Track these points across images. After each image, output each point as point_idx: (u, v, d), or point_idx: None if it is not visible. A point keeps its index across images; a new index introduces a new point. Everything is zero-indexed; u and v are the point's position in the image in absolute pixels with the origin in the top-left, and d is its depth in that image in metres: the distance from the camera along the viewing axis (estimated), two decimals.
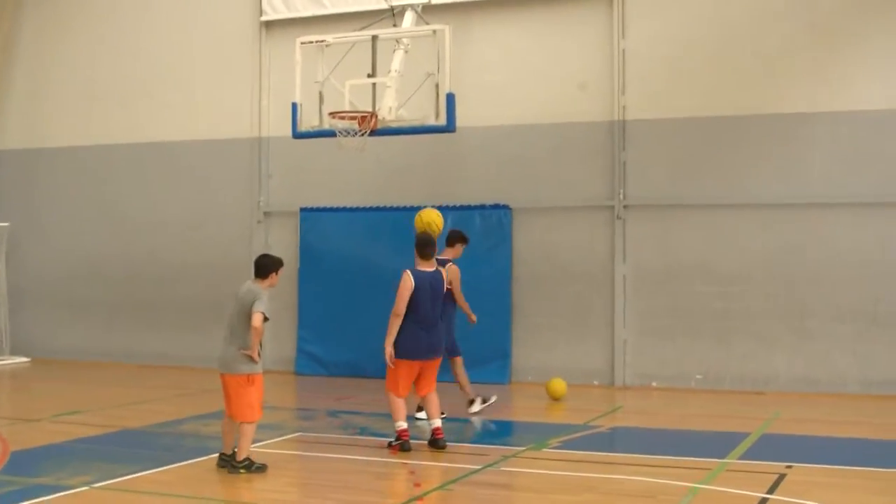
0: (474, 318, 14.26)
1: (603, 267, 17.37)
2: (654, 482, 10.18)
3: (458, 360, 14.13)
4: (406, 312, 11.72)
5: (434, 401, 12.16)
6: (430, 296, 11.86)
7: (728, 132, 16.88)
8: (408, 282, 11.72)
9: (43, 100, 21.86)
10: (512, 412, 15.58)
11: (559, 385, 15.75)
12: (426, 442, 12.03)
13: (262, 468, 10.54)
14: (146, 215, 20.62)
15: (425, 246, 12.05)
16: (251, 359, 10.47)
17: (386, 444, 11.92)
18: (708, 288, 16.85)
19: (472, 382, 14.30)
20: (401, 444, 11.72)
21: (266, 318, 10.47)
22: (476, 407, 14.37)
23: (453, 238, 14.26)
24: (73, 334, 21.23)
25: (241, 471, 10.47)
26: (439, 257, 12.82)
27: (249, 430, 10.58)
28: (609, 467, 11.11)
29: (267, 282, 10.71)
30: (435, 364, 12.16)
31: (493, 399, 14.71)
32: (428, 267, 12.00)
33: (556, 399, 15.70)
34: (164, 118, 20.60)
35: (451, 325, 13.80)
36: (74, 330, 21.23)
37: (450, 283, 13.01)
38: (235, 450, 10.60)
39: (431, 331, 11.86)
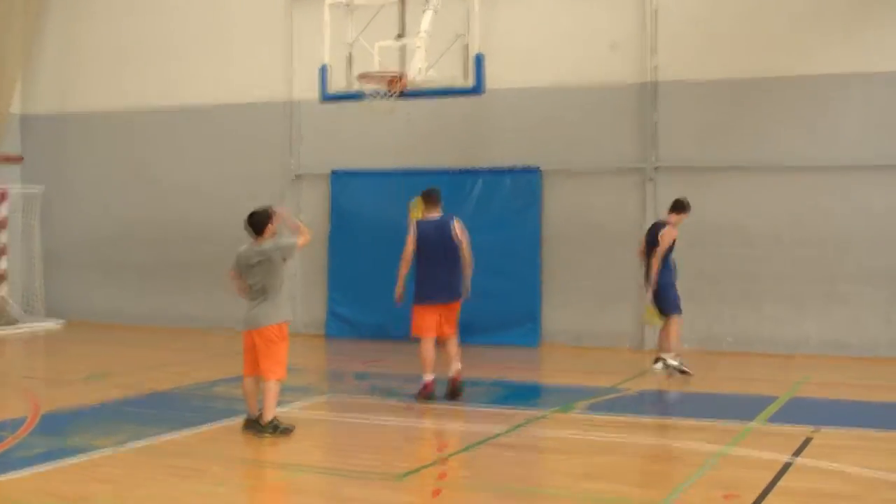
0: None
1: (633, 229, 17.24)
2: (680, 445, 10.19)
3: (674, 319, 14.30)
4: (418, 259, 12.50)
5: (454, 345, 12.66)
6: (439, 242, 12.49)
7: (760, 94, 16.73)
8: (410, 230, 12.60)
9: (74, 64, 21.94)
10: (540, 375, 15.64)
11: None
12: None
13: (287, 430, 10.59)
14: (178, 178, 20.69)
15: (429, 195, 12.83)
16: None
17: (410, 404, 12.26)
18: (738, 251, 16.75)
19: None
20: (427, 395, 12.35)
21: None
22: (658, 366, 14.37)
23: (679, 207, 14.55)
24: (105, 297, 21.39)
25: (268, 433, 10.53)
26: (660, 220, 14.52)
27: (275, 390, 10.62)
28: (635, 430, 11.09)
29: (268, 235, 10.81)
30: (453, 307, 12.68)
31: (677, 367, 14.28)
32: (434, 215, 12.70)
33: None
34: (195, 82, 20.63)
35: (667, 284, 14.26)
36: (107, 292, 21.39)
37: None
38: (261, 411, 10.66)
39: (444, 275, 12.49)
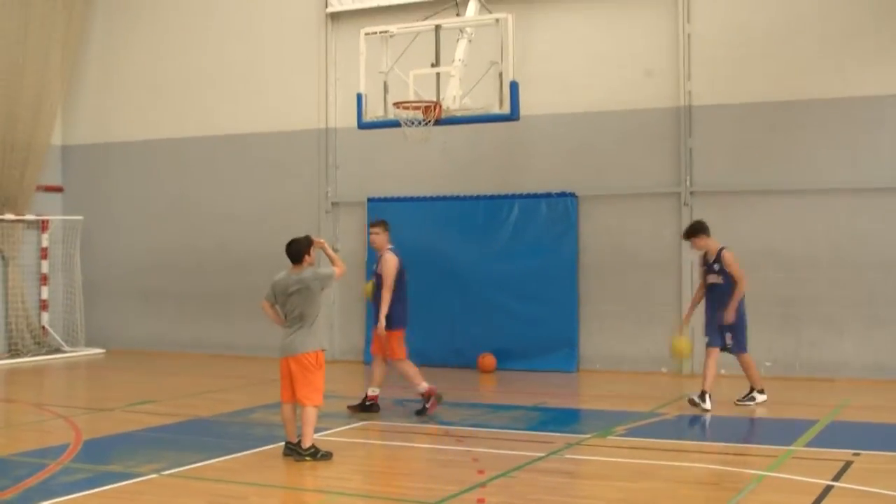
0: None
1: (669, 254, 17.28)
2: (719, 469, 10.16)
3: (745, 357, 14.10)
4: (398, 287, 13.40)
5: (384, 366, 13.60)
6: (402, 270, 13.51)
7: (795, 117, 16.71)
8: (394, 261, 13.45)
9: (112, 95, 22.20)
10: (578, 400, 15.62)
11: (681, 344, 15.04)
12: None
13: (327, 455, 10.65)
14: (215, 207, 20.86)
15: (386, 224, 13.96)
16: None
17: (420, 411, 13.22)
18: (775, 274, 16.69)
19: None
20: (436, 399, 13.38)
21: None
22: (707, 403, 13.53)
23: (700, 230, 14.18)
24: (145, 325, 21.56)
25: (307, 458, 10.59)
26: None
27: (312, 416, 10.69)
28: (674, 455, 11.08)
29: (306, 263, 10.92)
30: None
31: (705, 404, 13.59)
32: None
33: (680, 355, 15.44)
34: (231, 110, 20.83)
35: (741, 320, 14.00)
36: (146, 321, 21.56)
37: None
38: (300, 437, 10.72)
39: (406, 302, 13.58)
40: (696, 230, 14.05)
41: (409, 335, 18.63)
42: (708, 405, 13.43)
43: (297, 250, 10.90)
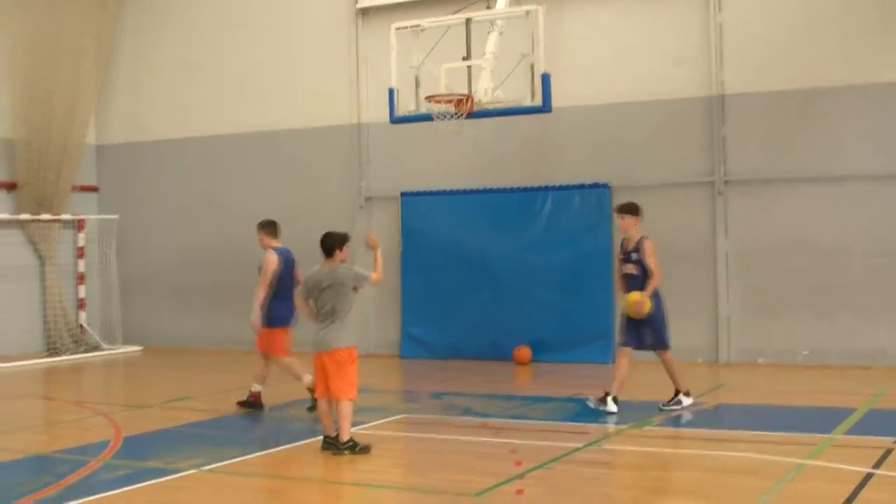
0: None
1: (704, 244, 17.23)
2: (757, 458, 10.12)
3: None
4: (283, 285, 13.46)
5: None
6: (289, 270, 13.58)
7: (827, 104, 16.63)
8: (274, 259, 13.50)
9: (145, 95, 22.35)
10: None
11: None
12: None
13: (365, 449, 10.68)
14: (248, 204, 20.88)
15: (271, 225, 13.97)
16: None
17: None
18: (810, 263, 16.63)
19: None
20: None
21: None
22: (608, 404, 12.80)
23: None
24: (180, 322, 21.69)
25: (346, 452, 10.63)
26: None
27: (348, 410, 10.72)
28: (712, 444, 11.06)
29: (338, 258, 10.92)
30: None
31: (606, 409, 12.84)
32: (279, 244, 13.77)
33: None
34: (263, 108, 20.91)
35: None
36: (181, 318, 21.69)
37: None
38: (338, 431, 10.79)
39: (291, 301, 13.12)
40: (630, 208, 13.03)
41: (444, 328, 18.82)
42: (611, 408, 12.61)
43: (330, 244, 10.88)
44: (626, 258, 12.94)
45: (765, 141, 17.08)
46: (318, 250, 10.93)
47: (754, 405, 13.57)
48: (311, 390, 13.03)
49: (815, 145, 16.70)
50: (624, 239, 13.17)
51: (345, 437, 10.68)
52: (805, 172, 16.72)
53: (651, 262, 12.70)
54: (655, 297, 12.77)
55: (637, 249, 12.83)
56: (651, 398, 13.82)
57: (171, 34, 22.06)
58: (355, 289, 10.88)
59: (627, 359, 12.95)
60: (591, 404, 12.86)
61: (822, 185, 16.68)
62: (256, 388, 13.70)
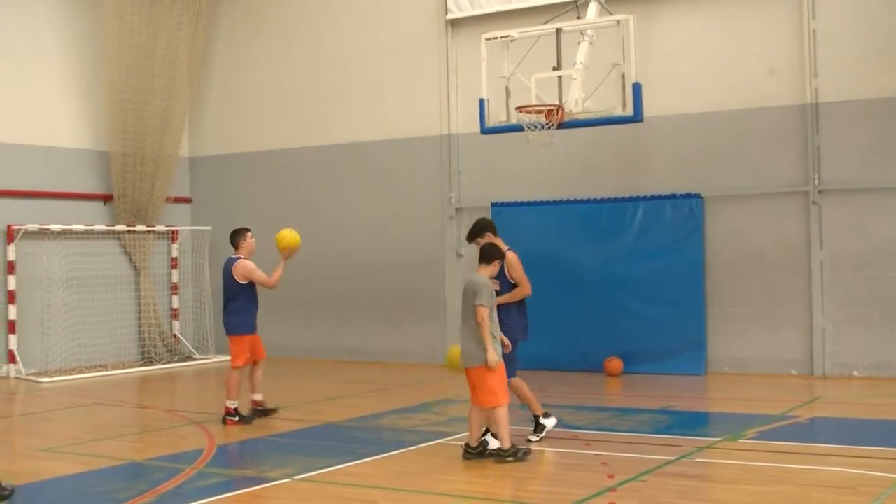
0: None
1: (798, 254, 16.99)
2: (854, 473, 9.94)
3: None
4: (247, 294, 14.60)
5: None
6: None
7: None
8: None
9: (237, 107, 22.62)
10: (707, 403, 15.43)
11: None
12: None
13: (528, 453, 10.78)
14: (340, 215, 21.07)
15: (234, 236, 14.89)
16: (487, 352, 10.60)
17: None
18: None
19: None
20: (242, 419, 13.63)
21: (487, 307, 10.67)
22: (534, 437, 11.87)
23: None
24: (273, 332, 21.69)
25: (510, 459, 10.66)
26: None
27: (499, 416, 10.70)
28: (807, 458, 10.88)
29: (490, 268, 10.94)
30: None
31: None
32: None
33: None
34: (353, 119, 21.04)
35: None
36: (274, 328, 21.72)
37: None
38: (483, 439, 10.93)
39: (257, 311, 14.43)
40: (479, 229, 11.98)
41: (534, 340, 18.70)
42: (546, 430, 11.86)
43: (488, 252, 11.06)
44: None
45: (860, 149, 16.80)
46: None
47: (850, 419, 13.33)
48: (256, 404, 13.93)
49: None
50: None
51: (506, 445, 10.71)
52: None
53: (517, 273, 11.81)
54: (522, 313, 12.11)
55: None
56: (745, 411, 13.68)
57: (263, 47, 22.29)
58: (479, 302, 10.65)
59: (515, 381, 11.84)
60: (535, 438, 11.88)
61: None
62: (257, 397, 14.08)
